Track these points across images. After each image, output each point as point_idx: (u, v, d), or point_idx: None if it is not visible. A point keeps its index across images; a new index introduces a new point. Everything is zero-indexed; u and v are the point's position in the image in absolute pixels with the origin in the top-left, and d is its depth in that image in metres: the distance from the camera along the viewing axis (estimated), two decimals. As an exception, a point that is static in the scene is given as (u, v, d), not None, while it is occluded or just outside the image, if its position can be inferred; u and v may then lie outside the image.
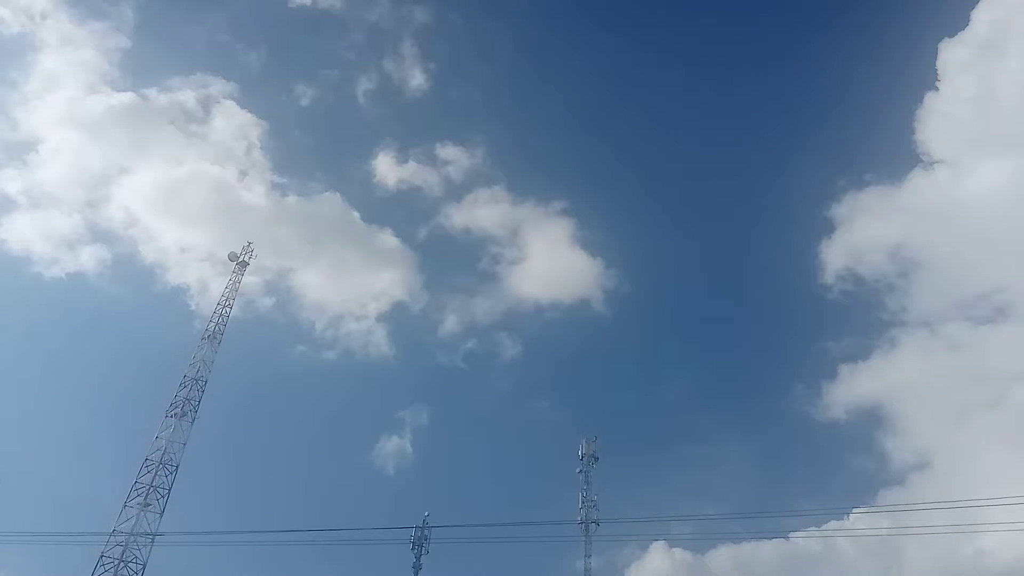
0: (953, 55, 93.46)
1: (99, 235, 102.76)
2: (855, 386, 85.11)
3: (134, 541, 49.81)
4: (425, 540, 50.17)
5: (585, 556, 49.61)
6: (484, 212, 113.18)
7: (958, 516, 42.36)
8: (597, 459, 53.54)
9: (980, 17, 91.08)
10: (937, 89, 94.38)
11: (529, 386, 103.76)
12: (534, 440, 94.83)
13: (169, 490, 52.15)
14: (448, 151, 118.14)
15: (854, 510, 56.78)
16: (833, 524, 57.95)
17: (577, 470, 53.15)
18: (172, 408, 54.84)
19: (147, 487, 51.58)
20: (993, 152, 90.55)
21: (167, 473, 52.47)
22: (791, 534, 59.54)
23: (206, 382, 56.43)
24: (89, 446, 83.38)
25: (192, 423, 54.72)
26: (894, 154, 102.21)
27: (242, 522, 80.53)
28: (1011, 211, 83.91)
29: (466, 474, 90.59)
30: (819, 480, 77.69)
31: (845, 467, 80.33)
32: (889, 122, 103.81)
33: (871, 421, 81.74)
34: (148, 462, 52.53)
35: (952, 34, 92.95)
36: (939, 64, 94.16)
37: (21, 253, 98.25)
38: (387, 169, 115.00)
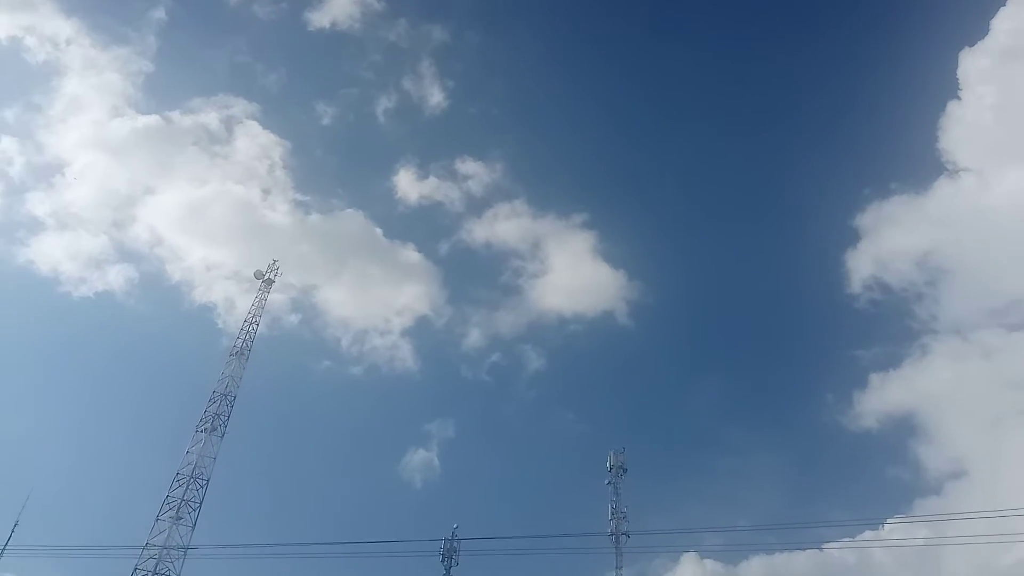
0: (974, 64, 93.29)
1: (126, 255, 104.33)
2: (886, 395, 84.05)
3: (167, 554, 50.30)
4: (455, 552, 50.14)
5: (616, 568, 49.16)
6: (505, 226, 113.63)
7: (996, 525, 41.45)
8: (626, 470, 53.13)
9: (1000, 26, 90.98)
10: (959, 98, 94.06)
11: (554, 398, 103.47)
12: (561, 452, 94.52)
13: (200, 503, 52.70)
14: (468, 166, 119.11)
15: (888, 520, 56.00)
16: (868, 534, 56.89)
17: (606, 481, 52.75)
18: (202, 423, 55.46)
19: (179, 501, 52.12)
20: (1017, 159, 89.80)
21: (198, 487, 53.00)
22: (825, 545, 58.75)
23: (235, 397, 57.07)
24: (122, 461, 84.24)
25: (222, 438, 55.31)
26: (918, 163, 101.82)
27: (272, 535, 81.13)
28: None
29: (494, 486, 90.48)
30: (852, 490, 76.37)
31: (879, 477, 79.12)
32: (912, 131, 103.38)
33: (904, 430, 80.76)
34: (179, 476, 53.10)
35: (972, 43, 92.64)
36: (960, 73, 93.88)
37: (50, 274, 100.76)
38: (408, 185, 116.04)
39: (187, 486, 52.64)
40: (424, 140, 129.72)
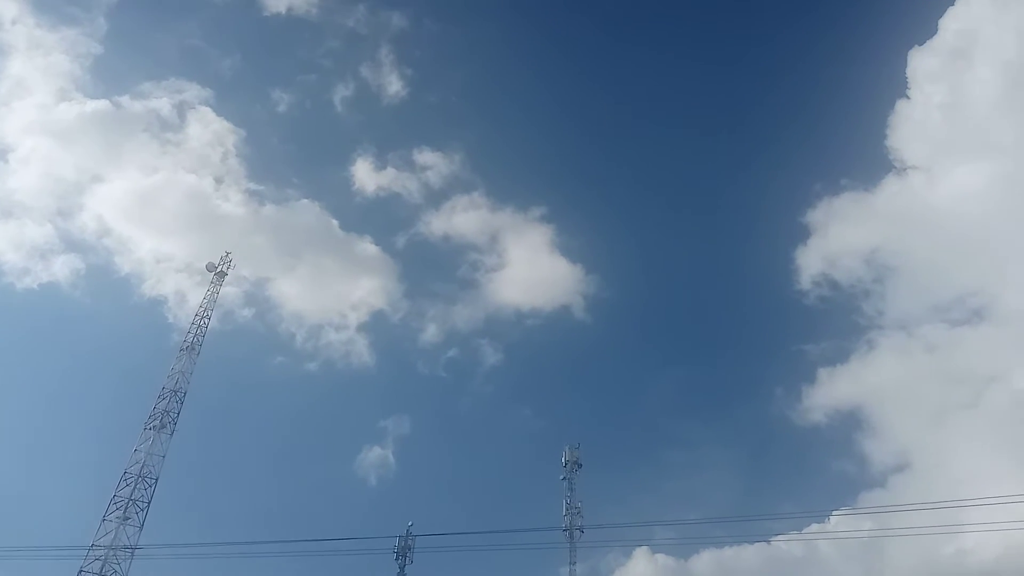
0: (922, 63, 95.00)
1: (72, 245, 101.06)
2: (834, 389, 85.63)
3: (113, 555, 49.33)
4: (409, 549, 50.13)
5: (570, 563, 49.53)
6: (463, 218, 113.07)
7: (939, 517, 42.82)
8: (580, 466, 53.49)
9: (948, 25, 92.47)
10: (908, 96, 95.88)
11: (511, 394, 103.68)
12: (517, 447, 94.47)
13: (149, 503, 51.79)
14: (426, 157, 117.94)
15: (834, 512, 57.27)
16: (815, 527, 58.34)
17: (561, 477, 53.08)
18: (151, 420, 54.39)
19: (126, 500, 51.13)
20: (965, 158, 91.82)
21: (146, 486, 52.05)
22: (773, 538, 59.61)
23: (185, 394, 56.08)
24: (67, 460, 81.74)
25: (171, 435, 54.34)
26: (868, 160, 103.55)
27: (223, 534, 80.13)
28: (984, 215, 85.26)
29: (449, 483, 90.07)
30: (800, 483, 77.95)
31: (826, 470, 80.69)
32: (863, 129, 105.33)
33: (850, 424, 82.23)
34: (127, 475, 52.07)
35: (921, 42, 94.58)
36: (909, 72, 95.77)
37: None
38: (365, 176, 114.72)
39: (135, 485, 51.64)
40: (382, 129, 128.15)
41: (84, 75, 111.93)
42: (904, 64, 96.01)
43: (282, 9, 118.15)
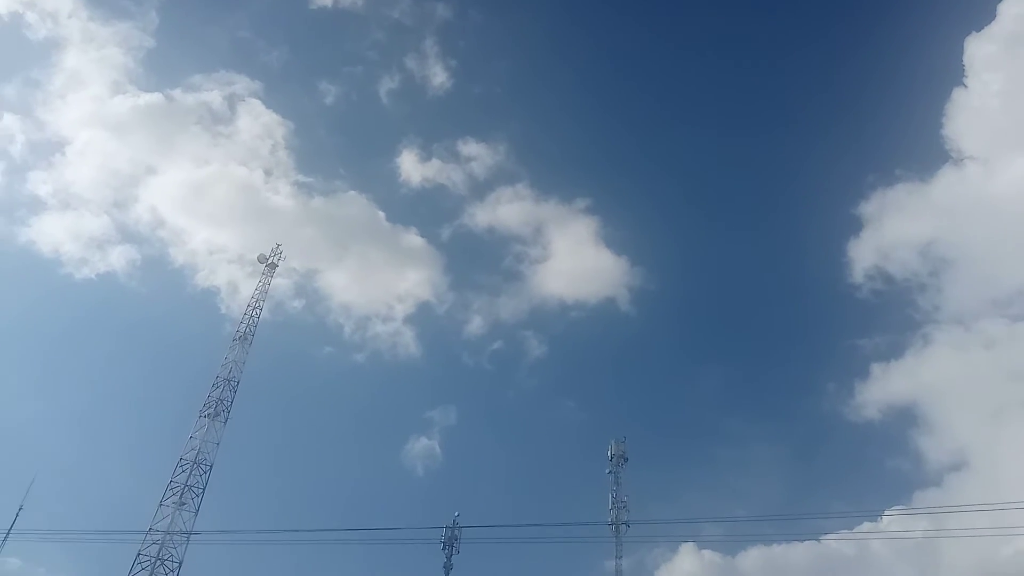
0: (980, 50, 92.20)
1: (128, 236, 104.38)
2: (888, 385, 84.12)
3: (170, 540, 50.44)
4: (456, 540, 50.51)
5: (616, 557, 49.49)
6: (507, 210, 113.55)
7: (997, 518, 41.60)
8: (626, 460, 53.29)
9: (1007, 11, 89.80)
10: (965, 85, 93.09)
11: (555, 386, 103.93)
12: (562, 440, 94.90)
13: (203, 489, 52.79)
14: (471, 148, 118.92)
15: (887, 511, 56.15)
16: (867, 526, 57.33)
17: (607, 471, 52.98)
18: (205, 408, 55.45)
19: (182, 486, 52.24)
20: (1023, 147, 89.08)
21: (201, 472, 53.08)
22: (823, 536, 58.86)
23: (238, 383, 56.99)
24: (125, 446, 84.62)
25: (225, 423, 55.33)
26: (923, 150, 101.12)
27: (275, 521, 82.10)
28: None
29: (495, 474, 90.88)
30: (852, 481, 76.92)
31: (879, 468, 79.44)
32: (918, 118, 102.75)
33: (905, 420, 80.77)
34: (183, 461, 53.17)
35: (979, 29, 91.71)
36: (966, 59, 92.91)
37: (51, 254, 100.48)
38: (411, 167, 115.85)
39: (190, 472, 52.73)
40: (427, 121, 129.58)
41: (137, 68, 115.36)
42: (961, 51, 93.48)
43: (328, 2, 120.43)
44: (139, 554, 49.87)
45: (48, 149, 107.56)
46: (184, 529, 51.09)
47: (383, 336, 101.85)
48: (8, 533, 52.73)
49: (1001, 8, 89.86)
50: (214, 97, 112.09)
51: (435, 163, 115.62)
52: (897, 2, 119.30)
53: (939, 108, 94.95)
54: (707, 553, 68.38)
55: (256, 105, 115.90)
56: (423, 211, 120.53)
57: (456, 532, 50.78)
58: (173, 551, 50.41)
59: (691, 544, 66.37)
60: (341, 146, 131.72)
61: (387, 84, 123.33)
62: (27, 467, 70.62)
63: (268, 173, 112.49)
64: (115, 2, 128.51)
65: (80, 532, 54.99)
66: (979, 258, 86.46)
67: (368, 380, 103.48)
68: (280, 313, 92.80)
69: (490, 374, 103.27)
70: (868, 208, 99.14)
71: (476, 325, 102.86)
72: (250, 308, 60.95)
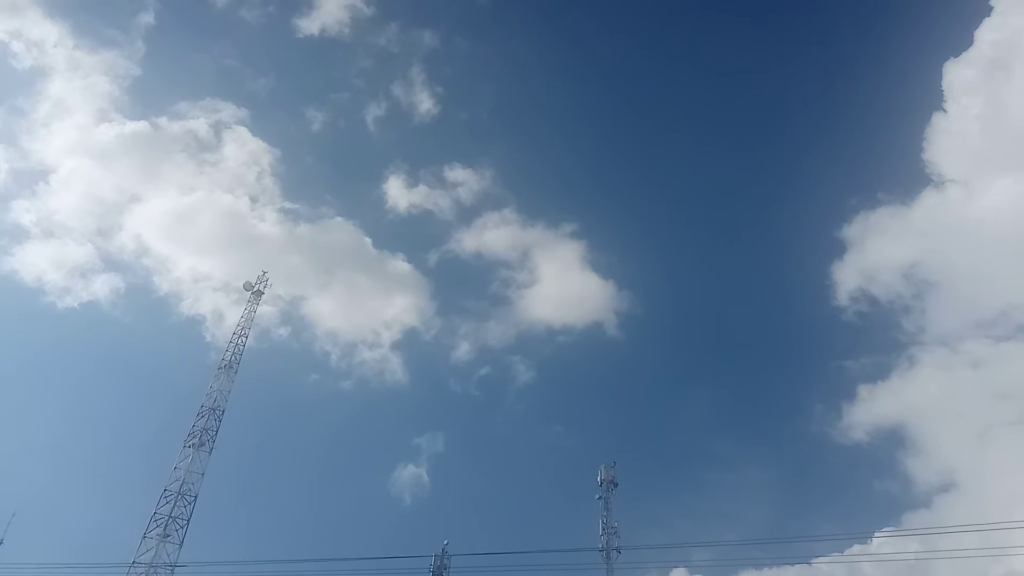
0: (958, 75, 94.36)
1: (112, 264, 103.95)
2: (875, 406, 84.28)
3: (154, 572, 49.76)
4: (445, 569, 49.82)
5: (607, 584, 48.98)
6: (494, 235, 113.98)
7: (987, 538, 41.59)
8: (616, 485, 52.88)
9: (984, 37, 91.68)
10: (944, 109, 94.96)
11: (544, 411, 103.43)
12: (550, 466, 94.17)
13: (188, 520, 52.27)
14: (457, 173, 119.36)
15: (877, 534, 55.96)
16: (857, 549, 56.91)
17: (596, 496, 52.54)
18: (190, 438, 54.99)
19: (166, 518, 51.67)
20: (1004, 170, 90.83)
21: (186, 503, 52.58)
22: (814, 560, 58.31)
23: (223, 412, 56.63)
24: (108, 477, 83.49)
25: (210, 453, 54.90)
26: (905, 174, 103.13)
27: (261, 551, 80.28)
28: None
29: (483, 501, 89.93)
30: (841, 503, 76.51)
31: (868, 490, 79.14)
32: (899, 143, 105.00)
33: (893, 442, 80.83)
34: (167, 492, 52.65)
35: (956, 54, 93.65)
36: (945, 84, 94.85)
37: (34, 283, 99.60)
38: (398, 193, 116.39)
39: (174, 503, 52.18)
40: (413, 147, 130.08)
41: (123, 96, 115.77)
42: (940, 76, 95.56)
43: (315, 30, 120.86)
44: (122, 587, 49.11)
45: (32, 178, 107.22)
46: (169, 561, 50.45)
47: (370, 363, 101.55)
48: (-12, 567, 51.96)
49: (978, 34, 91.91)
50: (200, 125, 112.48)
51: (422, 189, 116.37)
52: (877, 28, 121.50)
53: (919, 132, 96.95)
54: (698, 578, 67.75)
55: (242, 132, 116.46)
56: (410, 237, 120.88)
57: (445, 560, 50.11)
58: (157, 584, 49.64)
59: (682, 569, 65.54)
60: (327, 173, 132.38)
61: (374, 111, 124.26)
62: (7, 496, 69.35)
63: (254, 200, 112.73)
64: (101, 31, 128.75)
65: (63, 565, 53.78)
66: (962, 280, 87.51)
67: (355, 407, 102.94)
68: (266, 341, 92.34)
69: (478, 400, 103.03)
70: (851, 231, 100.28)
71: (463, 351, 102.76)
72: (235, 336, 60.75)
